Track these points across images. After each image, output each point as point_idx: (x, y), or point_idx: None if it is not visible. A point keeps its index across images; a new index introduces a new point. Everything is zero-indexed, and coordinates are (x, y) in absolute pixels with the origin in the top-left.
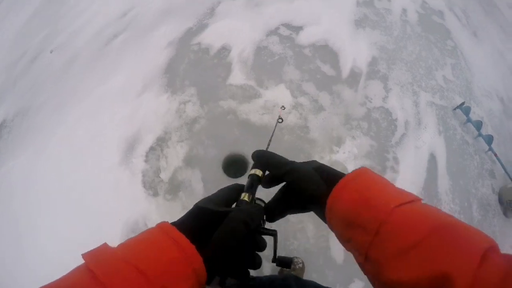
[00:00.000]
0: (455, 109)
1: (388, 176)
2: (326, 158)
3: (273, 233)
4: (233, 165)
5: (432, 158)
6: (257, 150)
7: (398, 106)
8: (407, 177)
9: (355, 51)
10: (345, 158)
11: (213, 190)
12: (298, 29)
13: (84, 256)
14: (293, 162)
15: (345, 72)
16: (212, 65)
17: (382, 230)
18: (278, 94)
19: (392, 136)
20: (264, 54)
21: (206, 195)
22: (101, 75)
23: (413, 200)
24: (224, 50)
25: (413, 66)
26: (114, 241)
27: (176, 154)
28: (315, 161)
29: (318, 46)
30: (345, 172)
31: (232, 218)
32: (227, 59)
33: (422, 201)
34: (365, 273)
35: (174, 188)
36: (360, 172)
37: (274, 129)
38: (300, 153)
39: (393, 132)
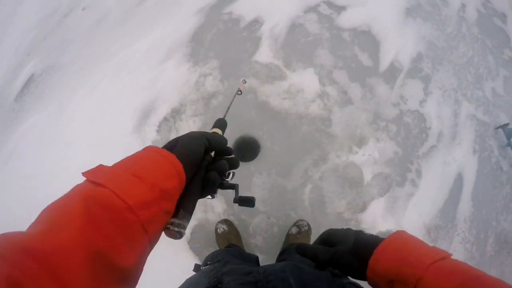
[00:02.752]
0: (497, 128)
1: (406, 189)
2: (342, 158)
3: (234, 187)
4: (244, 148)
5: (459, 179)
6: (328, 230)
7: (435, 114)
8: (426, 194)
9: (400, 43)
10: (363, 161)
11: None
12: (340, 9)
13: (84, 174)
14: (330, 253)
15: (384, 65)
16: (240, 38)
17: (419, 284)
18: (305, 79)
19: (421, 146)
20: (298, 33)
21: None
22: (128, 38)
23: (445, 257)
24: (256, 23)
25: (461, 71)
26: None
27: (188, 128)
28: (350, 230)
29: (359, 31)
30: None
31: (192, 131)
32: (257, 33)
33: (452, 257)
34: None
35: None
36: (398, 235)
37: (232, 101)
38: (315, 148)
39: (423, 142)
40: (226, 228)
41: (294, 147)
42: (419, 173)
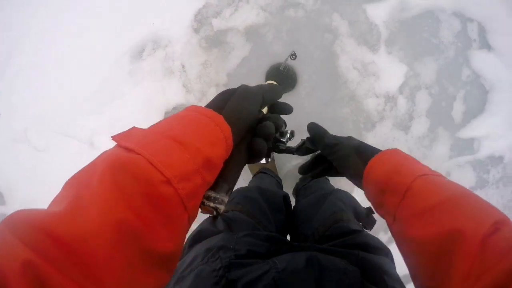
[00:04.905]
0: None
1: None
2: None
3: (291, 150)
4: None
5: None
6: (311, 123)
7: None
8: None
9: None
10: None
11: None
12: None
13: (114, 137)
14: (337, 140)
15: (468, 133)
16: None
17: (408, 194)
18: (389, 70)
19: None
20: (427, 25)
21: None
22: None
23: (437, 174)
24: None
25: None
26: None
27: (244, 17)
28: (351, 138)
29: (475, 82)
30: None
31: (245, 86)
32: None
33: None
34: (393, 235)
35: (215, 39)
36: (394, 150)
37: (288, 56)
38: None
39: None
40: None
41: (322, 118)
42: None
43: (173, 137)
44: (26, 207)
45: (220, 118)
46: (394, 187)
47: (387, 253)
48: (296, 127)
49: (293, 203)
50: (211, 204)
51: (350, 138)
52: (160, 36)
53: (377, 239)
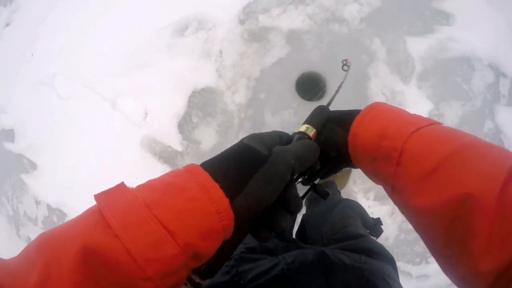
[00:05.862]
0: None
1: None
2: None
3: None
4: (309, 85)
5: None
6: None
7: None
8: None
9: None
10: None
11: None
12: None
13: (96, 197)
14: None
15: None
16: None
17: (402, 159)
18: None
19: None
20: (460, 71)
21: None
22: None
23: (431, 123)
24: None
25: None
26: None
27: (290, 20)
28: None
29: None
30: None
31: (273, 161)
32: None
33: (442, 125)
34: (395, 204)
35: (258, 34)
36: (374, 106)
37: (342, 82)
38: None
39: None
40: None
41: None
42: None
43: (162, 220)
44: (32, 149)
45: (225, 204)
46: (384, 153)
47: (391, 260)
48: None
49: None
50: None
51: (329, 114)
52: (206, 18)
53: (382, 246)
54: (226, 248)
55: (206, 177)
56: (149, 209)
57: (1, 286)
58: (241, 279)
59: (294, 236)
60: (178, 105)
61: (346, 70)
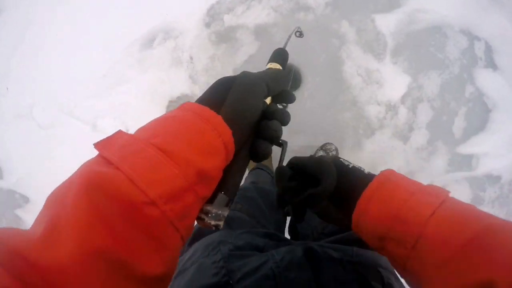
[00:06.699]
0: None
1: None
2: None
3: (282, 144)
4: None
5: None
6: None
7: None
8: None
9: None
10: None
11: None
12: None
13: (96, 144)
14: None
15: (467, 150)
16: None
17: (419, 244)
18: (393, 80)
19: None
20: (435, 39)
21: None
22: None
23: (444, 200)
24: None
25: None
26: None
27: (255, 16)
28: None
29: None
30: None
31: (245, 73)
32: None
33: (450, 194)
34: (405, 280)
35: (225, 35)
36: (385, 179)
37: (290, 35)
38: (336, 138)
39: None
40: None
41: (323, 122)
42: None
43: (160, 145)
44: (22, 183)
45: (218, 119)
46: (397, 236)
47: None
48: (297, 126)
49: None
50: (212, 222)
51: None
52: (172, 27)
53: None
54: (232, 171)
55: (196, 105)
56: (146, 139)
57: (5, 244)
58: (230, 279)
59: (286, 232)
60: (156, 116)
61: (298, 36)
